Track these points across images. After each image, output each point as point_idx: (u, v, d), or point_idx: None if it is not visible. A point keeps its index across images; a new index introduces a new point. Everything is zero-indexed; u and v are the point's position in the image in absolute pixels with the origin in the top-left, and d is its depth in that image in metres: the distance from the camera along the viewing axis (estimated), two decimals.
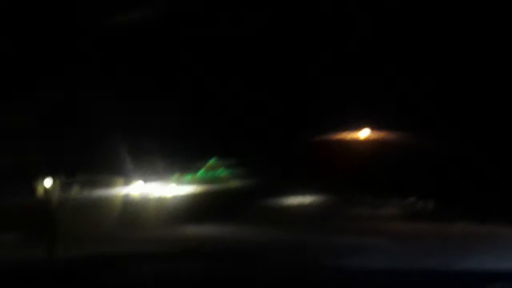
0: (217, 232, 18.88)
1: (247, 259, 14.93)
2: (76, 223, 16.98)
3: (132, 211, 19.31)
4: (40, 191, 17.95)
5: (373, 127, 21.02)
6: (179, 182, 20.69)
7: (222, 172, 21.32)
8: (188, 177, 20.84)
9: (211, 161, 21.32)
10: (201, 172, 21.18)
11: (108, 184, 19.09)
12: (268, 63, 19.42)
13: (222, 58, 19.03)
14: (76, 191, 18.21)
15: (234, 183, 20.97)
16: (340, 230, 18.64)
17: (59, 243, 15.50)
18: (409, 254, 15.24)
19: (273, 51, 19.27)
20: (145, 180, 19.99)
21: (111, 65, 17.37)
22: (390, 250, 15.83)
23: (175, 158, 19.82)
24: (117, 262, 14.34)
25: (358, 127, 21.09)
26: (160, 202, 20.29)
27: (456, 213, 19.84)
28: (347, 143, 21.02)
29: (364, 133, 21.14)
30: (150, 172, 19.50)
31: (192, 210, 19.81)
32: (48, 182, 17.92)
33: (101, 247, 15.81)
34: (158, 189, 20.36)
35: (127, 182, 19.56)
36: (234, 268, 13.91)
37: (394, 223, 20.50)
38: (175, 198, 20.47)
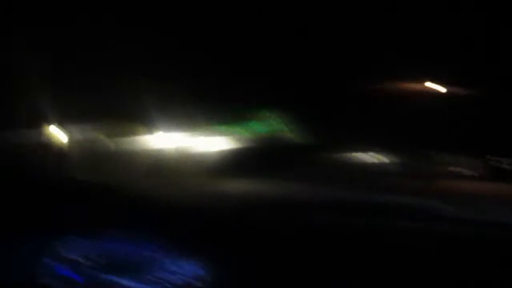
0: (265, 189, 17.57)
1: (295, 219, 14.54)
2: (87, 178, 15.79)
3: (156, 163, 18.07)
4: (46, 140, 16.92)
5: (442, 81, 19.78)
6: (221, 132, 19.62)
7: (274, 124, 20.00)
8: (236, 128, 19.88)
9: (264, 112, 20.00)
10: (252, 124, 19.95)
11: (127, 132, 17.89)
12: (335, 9, 18.42)
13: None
14: (88, 140, 17.18)
15: (286, 137, 19.77)
16: (401, 189, 17.47)
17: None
18: (475, 218, 14.70)
19: None
20: (173, 130, 18.52)
21: None
22: (456, 214, 15.22)
23: (217, 106, 18.72)
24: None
25: (425, 79, 19.95)
26: (194, 155, 18.98)
27: None
28: (415, 94, 19.81)
29: (433, 85, 19.88)
30: (180, 120, 18.19)
31: (237, 164, 18.52)
32: (55, 130, 16.85)
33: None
34: (188, 140, 19.09)
35: (150, 131, 18.33)
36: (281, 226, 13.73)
37: (465, 184, 19.16)
38: (213, 151, 19.18)
